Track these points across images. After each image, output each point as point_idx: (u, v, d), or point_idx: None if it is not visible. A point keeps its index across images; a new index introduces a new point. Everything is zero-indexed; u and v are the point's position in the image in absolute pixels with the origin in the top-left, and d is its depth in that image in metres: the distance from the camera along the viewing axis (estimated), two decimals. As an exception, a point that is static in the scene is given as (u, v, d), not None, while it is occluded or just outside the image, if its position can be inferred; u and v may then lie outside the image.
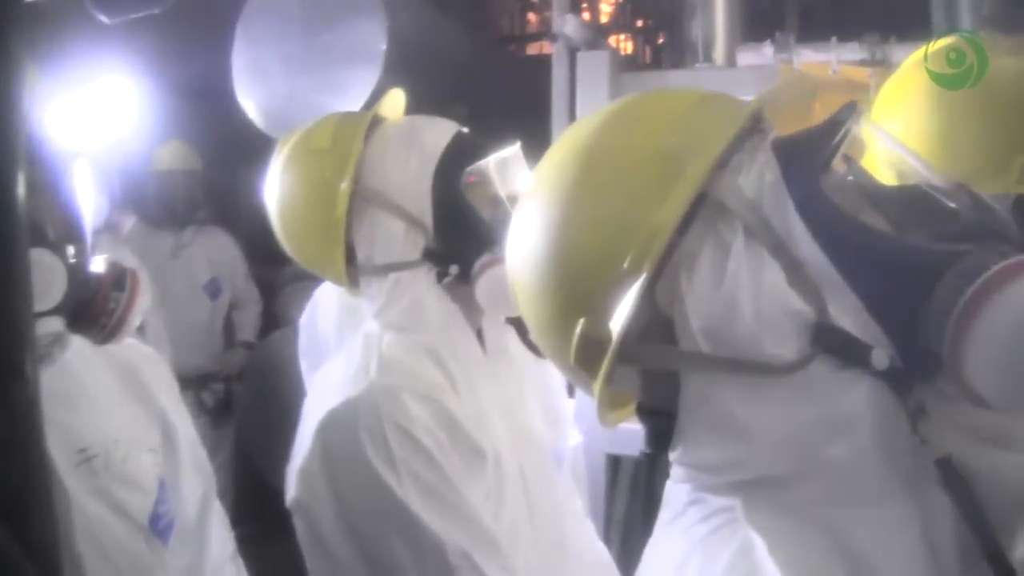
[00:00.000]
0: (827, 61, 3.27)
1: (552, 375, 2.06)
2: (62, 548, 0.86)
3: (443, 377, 1.83)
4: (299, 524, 1.79)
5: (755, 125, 1.10)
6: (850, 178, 1.10)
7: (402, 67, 3.83)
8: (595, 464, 3.14)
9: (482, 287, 1.81)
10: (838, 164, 1.12)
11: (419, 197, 1.85)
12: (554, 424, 2.06)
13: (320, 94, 3.83)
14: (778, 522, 0.98)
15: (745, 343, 0.99)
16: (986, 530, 0.93)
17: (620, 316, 1.02)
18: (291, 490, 1.78)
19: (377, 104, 2.03)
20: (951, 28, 3.30)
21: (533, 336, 1.20)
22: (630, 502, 3.60)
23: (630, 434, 3.30)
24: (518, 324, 1.90)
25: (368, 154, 1.90)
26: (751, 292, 0.99)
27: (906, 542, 0.96)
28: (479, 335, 1.93)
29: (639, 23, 9.76)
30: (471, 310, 1.89)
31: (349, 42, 3.86)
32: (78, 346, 1.54)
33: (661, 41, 9.04)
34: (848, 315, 0.96)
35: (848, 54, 3.30)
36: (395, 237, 1.85)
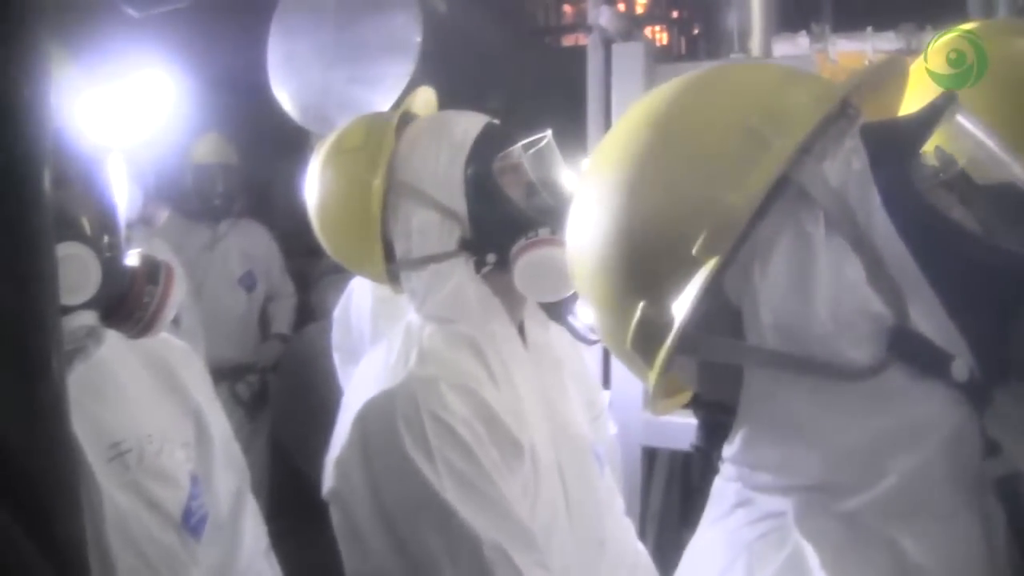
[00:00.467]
0: (863, 51, 3.24)
1: (591, 370, 2.07)
2: (87, 545, 0.86)
3: (482, 369, 1.83)
4: (335, 514, 1.79)
5: (843, 109, 1.02)
6: (941, 174, 1.03)
7: (437, 59, 3.82)
8: (631, 457, 3.13)
9: (519, 271, 1.80)
10: (928, 156, 1.04)
11: (452, 188, 1.85)
12: (595, 420, 2.06)
13: (355, 86, 3.83)
14: (832, 532, 0.94)
15: (818, 343, 0.93)
16: None
17: (685, 302, 0.96)
18: (328, 480, 1.78)
19: (407, 101, 2.04)
20: (988, 16, 3.27)
21: (592, 317, 1.14)
22: (666, 496, 3.59)
23: (666, 427, 3.30)
24: (557, 313, 1.92)
25: (399, 150, 1.90)
26: (830, 289, 0.93)
27: (966, 559, 0.92)
28: (521, 328, 1.93)
29: (674, 14, 9.73)
30: (513, 302, 1.89)
31: (384, 34, 3.85)
32: (112, 340, 1.54)
33: (696, 32, 9.01)
34: (929, 320, 0.91)
35: (884, 44, 3.27)
36: (431, 229, 1.85)
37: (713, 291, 0.97)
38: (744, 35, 3.83)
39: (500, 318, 1.88)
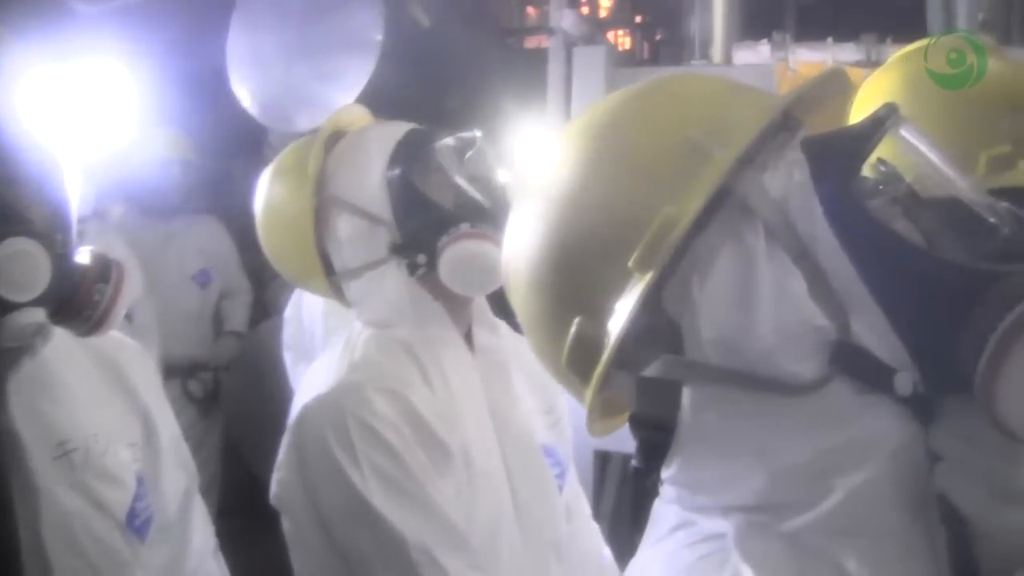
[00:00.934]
0: (823, 61, 3.28)
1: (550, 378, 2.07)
2: (19, 544, 0.85)
3: (416, 372, 1.86)
4: (283, 520, 1.83)
5: (785, 121, 1.00)
6: (882, 186, 1.01)
7: (398, 57, 3.81)
8: (583, 460, 3.14)
9: (443, 266, 1.84)
10: (869, 169, 1.02)
11: (376, 195, 1.90)
12: (555, 425, 2.08)
13: (315, 83, 3.81)
14: (773, 553, 0.92)
15: (760, 357, 0.91)
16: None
17: (621, 318, 0.92)
18: (272, 485, 1.82)
19: (334, 119, 2.09)
20: (947, 30, 3.31)
21: (524, 333, 1.10)
22: (617, 500, 3.60)
23: (619, 430, 3.30)
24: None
25: (327, 166, 1.97)
26: (772, 302, 0.91)
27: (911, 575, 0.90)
28: (470, 332, 1.96)
29: (637, 19, 9.76)
30: (457, 306, 1.93)
31: (345, 31, 3.84)
32: (61, 338, 1.53)
33: (659, 38, 9.04)
34: (873, 334, 0.89)
35: (844, 55, 3.31)
36: (360, 237, 1.91)
37: (651, 306, 0.95)
38: (706, 42, 3.86)
39: (439, 320, 1.91)
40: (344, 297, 1.99)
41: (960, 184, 1.00)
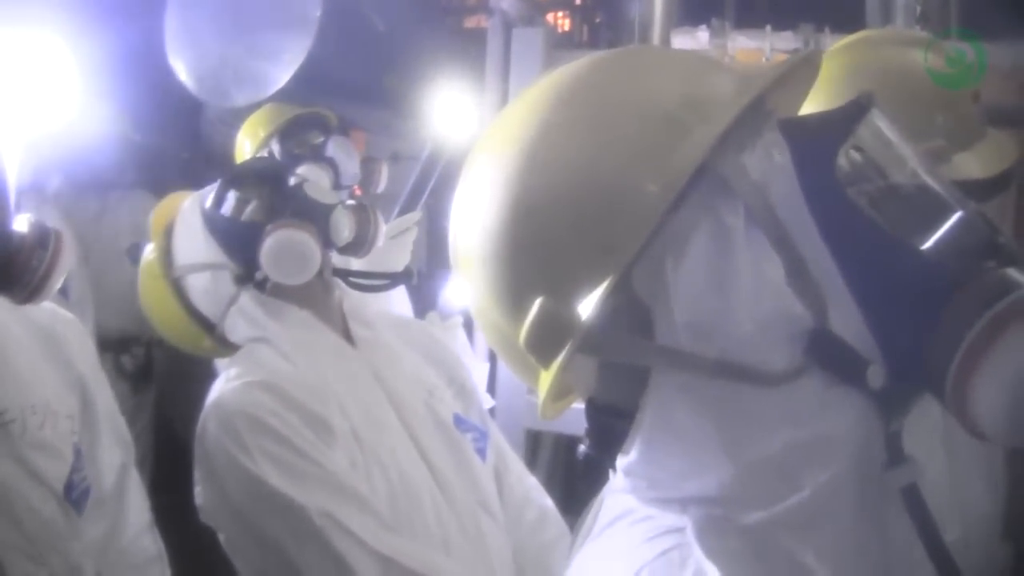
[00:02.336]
0: (761, 49, 3.31)
1: (449, 351, 2.29)
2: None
3: (289, 367, 1.99)
4: (219, 534, 1.95)
5: (758, 102, 0.95)
6: (856, 175, 0.96)
7: (336, 34, 3.79)
8: (515, 439, 3.15)
9: (266, 266, 2.02)
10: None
11: (203, 246, 2.09)
12: (460, 393, 2.21)
13: (252, 60, 3.79)
14: (735, 549, 0.89)
15: (734, 344, 0.87)
16: (947, 559, 0.87)
17: (592, 300, 0.87)
18: (197, 502, 1.94)
19: (161, 211, 2.32)
20: (885, 22, 3.36)
21: (475, 311, 1.05)
22: (549, 480, 3.62)
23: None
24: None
25: (169, 248, 2.17)
26: (749, 287, 0.87)
27: (866, 570, 0.89)
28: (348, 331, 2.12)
29: (577, 1, 9.74)
30: (324, 310, 2.12)
31: (283, 8, 3.81)
32: (-3, 305, 1.52)
33: (598, 20, 9.02)
34: (847, 325, 0.87)
35: (782, 43, 3.34)
36: (209, 286, 2.09)
37: (621, 286, 0.89)
38: (645, 26, 3.87)
39: (307, 325, 2.08)
40: (230, 348, 2.15)
41: (930, 177, 0.97)
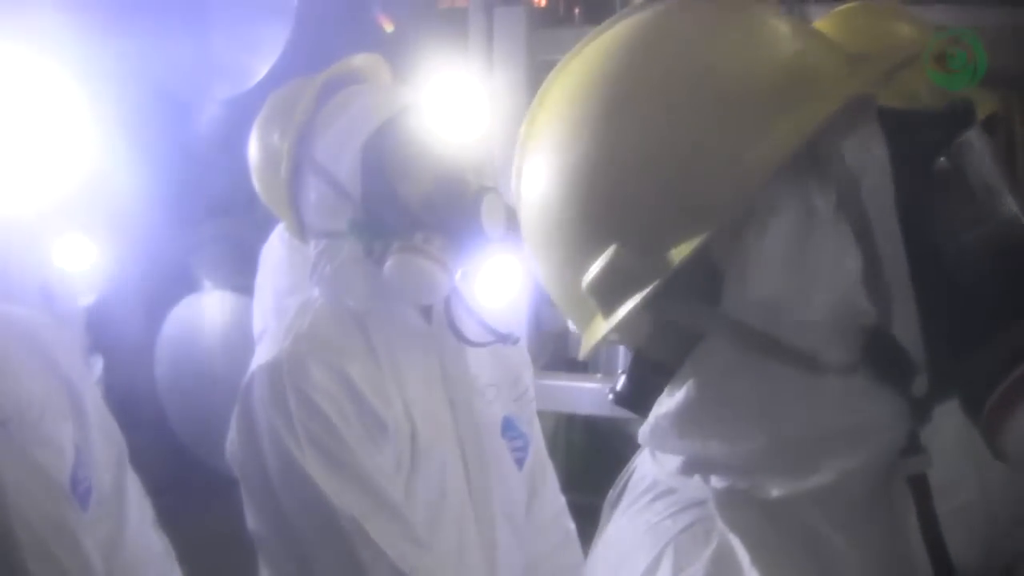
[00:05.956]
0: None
1: (517, 350, 2.11)
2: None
3: (363, 345, 1.87)
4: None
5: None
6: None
7: (315, 20, 3.76)
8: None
9: (388, 270, 1.81)
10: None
11: (349, 170, 1.86)
12: (519, 399, 2.09)
13: (231, 50, 3.76)
14: (757, 523, 0.89)
15: (797, 328, 0.86)
16: (943, 553, 0.89)
17: (669, 261, 0.86)
18: (227, 445, 1.88)
19: (340, 66, 2.04)
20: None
21: (539, 250, 1.01)
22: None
23: (551, 390, 3.26)
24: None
25: (317, 120, 1.92)
26: (825, 274, 0.86)
27: (883, 548, 0.90)
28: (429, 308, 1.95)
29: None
30: None
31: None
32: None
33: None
34: (906, 330, 0.87)
35: (768, 15, 3.30)
36: (325, 206, 1.89)
37: (699, 249, 0.86)
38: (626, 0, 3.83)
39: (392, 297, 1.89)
40: (304, 237, 1.99)
41: (1014, 203, 0.92)
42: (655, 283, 0.87)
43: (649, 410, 0.95)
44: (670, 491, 0.96)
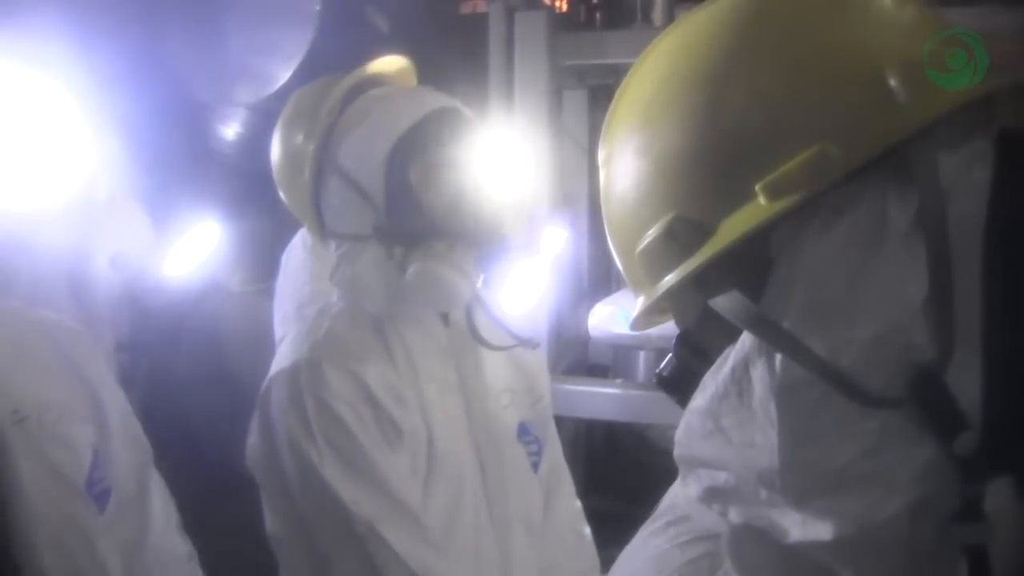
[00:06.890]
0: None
1: (534, 356, 2.11)
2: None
3: (381, 350, 1.87)
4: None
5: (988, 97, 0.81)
6: None
7: (336, 27, 3.77)
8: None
9: (409, 276, 1.81)
10: None
11: (373, 175, 1.85)
12: (535, 404, 2.09)
13: (252, 55, 3.77)
14: (768, 563, 0.83)
15: (840, 346, 0.77)
16: None
17: (724, 239, 0.81)
18: (247, 450, 1.89)
19: (365, 68, 2.05)
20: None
21: (611, 201, 0.96)
22: (568, 465, 3.60)
23: (570, 395, 3.28)
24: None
25: (341, 122, 1.91)
26: (883, 293, 0.77)
27: None
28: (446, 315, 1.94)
29: (573, -21, 9.70)
30: None
31: (282, 2, 3.80)
32: (5, 312, 1.53)
33: (596, 0, 8.99)
34: (962, 377, 0.76)
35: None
36: (348, 209, 1.88)
37: (758, 234, 0.81)
38: (648, 4, 3.83)
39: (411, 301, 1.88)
40: (325, 239, 1.99)
41: None
42: (699, 259, 0.82)
43: (687, 399, 0.88)
44: (685, 518, 0.92)
